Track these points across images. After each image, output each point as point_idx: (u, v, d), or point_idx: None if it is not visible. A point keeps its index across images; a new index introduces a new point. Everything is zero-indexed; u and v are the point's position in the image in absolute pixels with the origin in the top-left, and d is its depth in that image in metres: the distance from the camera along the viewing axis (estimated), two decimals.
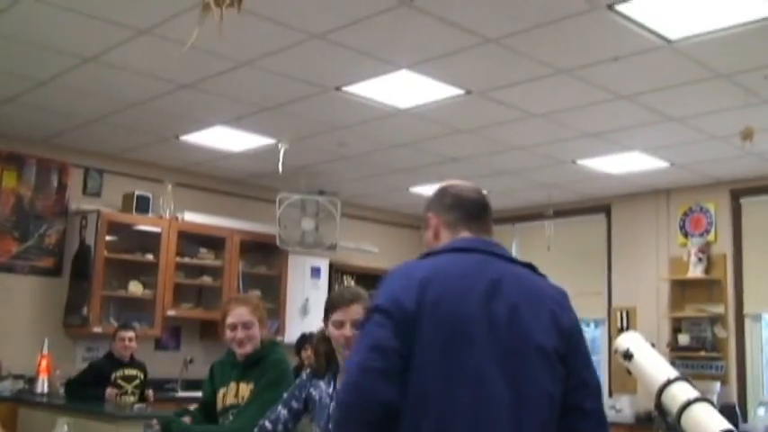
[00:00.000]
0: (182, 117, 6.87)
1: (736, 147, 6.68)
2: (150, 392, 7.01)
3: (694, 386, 2.53)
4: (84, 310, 7.60)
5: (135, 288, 8.08)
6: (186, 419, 4.10)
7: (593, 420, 2.35)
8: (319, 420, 3.25)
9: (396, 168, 8.39)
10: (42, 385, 6.98)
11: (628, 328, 8.44)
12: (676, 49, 4.96)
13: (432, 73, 5.56)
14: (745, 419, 7.77)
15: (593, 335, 9.23)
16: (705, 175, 8.18)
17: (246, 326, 3.96)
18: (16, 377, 7.16)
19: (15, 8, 4.76)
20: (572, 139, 7.04)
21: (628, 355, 2.68)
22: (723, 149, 7.15)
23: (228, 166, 8.56)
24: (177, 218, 8.30)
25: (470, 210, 2.49)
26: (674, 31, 4.74)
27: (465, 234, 2.45)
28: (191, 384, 8.07)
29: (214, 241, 8.67)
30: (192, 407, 4.57)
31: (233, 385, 3.97)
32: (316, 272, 9.39)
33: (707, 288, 8.42)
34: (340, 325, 3.24)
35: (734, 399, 7.95)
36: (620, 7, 4.42)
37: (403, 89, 5.90)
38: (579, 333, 2.40)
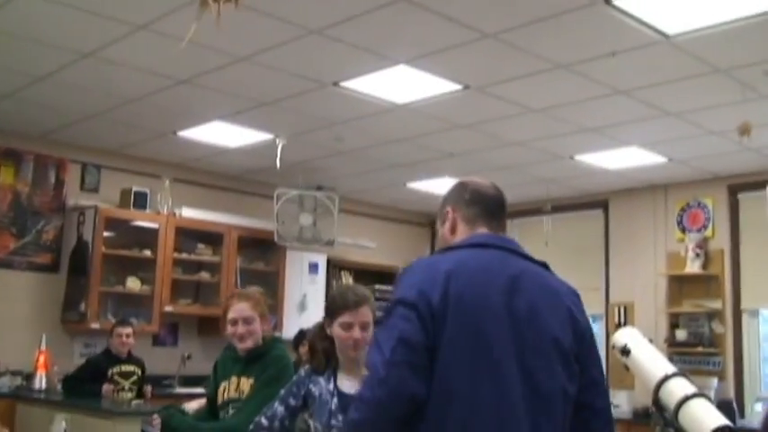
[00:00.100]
0: (179, 112, 6.86)
1: (733, 142, 6.69)
2: (148, 388, 7.01)
3: (692, 382, 2.54)
4: (82, 306, 7.59)
5: (133, 284, 8.08)
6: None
7: (603, 419, 2.38)
8: (320, 417, 3.23)
9: (393, 164, 8.39)
10: (40, 381, 6.99)
11: (625, 324, 8.44)
12: (674, 44, 4.96)
13: (429, 68, 5.56)
14: (742, 415, 7.78)
15: None
16: (703, 170, 8.19)
17: (247, 321, 3.96)
18: (14, 373, 7.15)
19: (12, 4, 4.75)
20: (570, 135, 7.04)
21: (625, 351, 2.69)
22: (721, 145, 7.15)
23: (226, 162, 8.55)
24: (175, 213, 8.30)
25: (489, 206, 2.49)
26: (671, 26, 4.74)
27: (483, 230, 2.45)
28: (188, 380, 8.08)
29: (212, 237, 8.66)
30: (186, 404, 4.60)
31: (234, 379, 3.99)
32: (313, 267, 9.39)
33: (704, 284, 8.43)
34: (348, 327, 3.22)
35: (731, 394, 7.96)
36: (618, 2, 4.42)
37: (401, 84, 5.89)
38: (592, 333, 2.43)
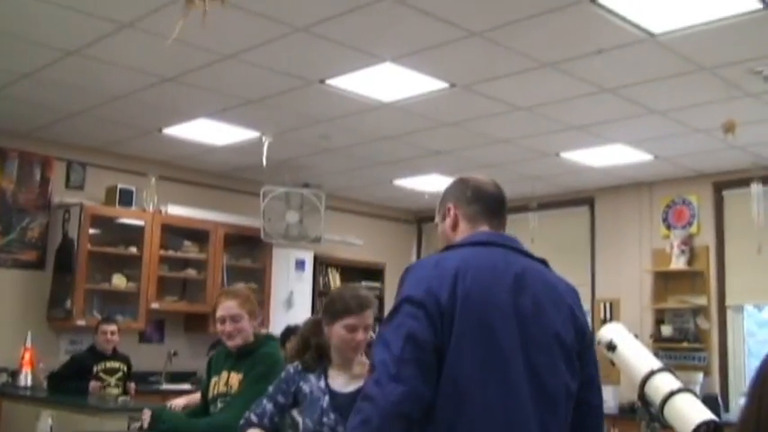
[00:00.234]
0: (165, 110, 6.84)
1: (718, 140, 6.72)
2: (132, 385, 6.98)
3: (677, 377, 2.55)
4: (68, 304, 7.57)
5: (118, 281, 8.06)
6: None
7: (597, 416, 2.41)
8: (312, 414, 3.23)
9: (380, 161, 8.39)
10: (26, 378, 6.97)
11: (611, 320, 8.48)
12: (659, 43, 4.98)
13: (416, 66, 5.56)
14: (727, 409, 7.83)
15: None
16: (688, 167, 8.23)
17: (235, 319, 3.97)
18: None
19: None
20: (556, 132, 7.06)
21: (611, 347, 2.70)
22: (706, 142, 7.18)
23: (213, 160, 8.54)
24: (161, 211, 8.27)
25: (490, 204, 2.48)
26: (657, 25, 4.76)
27: (484, 228, 2.44)
28: (175, 377, 8.08)
29: (198, 234, 8.65)
30: (173, 401, 4.62)
31: (224, 374, 4.01)
32: (300, 264, 9.38)
33: (689, 280, 8.48)
34: (352, 329, 3.22)
35: (716, 389, 8.01)
36: (604, 1, 4.44)
37: (387, 82, 5.89)
38: (590, 331, 2.44)
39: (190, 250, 8.65)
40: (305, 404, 3.28)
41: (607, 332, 2.76)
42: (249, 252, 9.08)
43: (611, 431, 7.32)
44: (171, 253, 8.45)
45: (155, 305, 8.17)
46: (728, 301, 8.29)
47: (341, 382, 3.27)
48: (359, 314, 3.23)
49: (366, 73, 5.69)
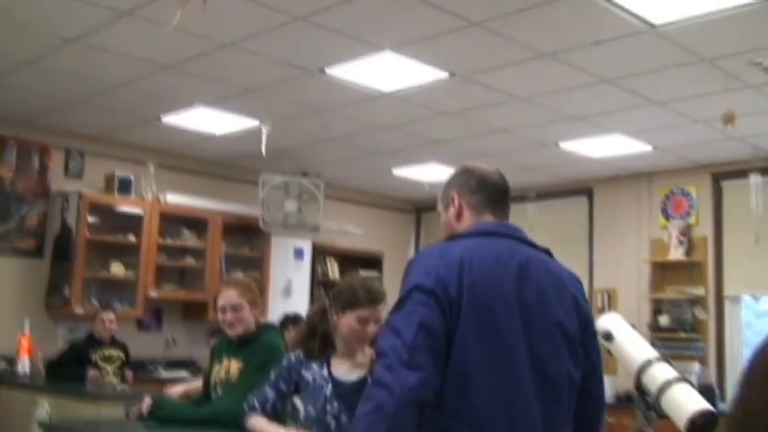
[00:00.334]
0: (164, 98, 6.83)
1: (717, 130, 6.73)
2: (129, 373, 7.00)
3: (674, 367, 2.56)
4: (66, 292, 7.58)
5: (117, 269, 8.06)
6: None
7: (600, 404, 2.43)
8: (315, 402, 3.24)
9: (379, 151, 8.39)
10: (24, 366, 6.97)
11: (609, 310, 8.49)
12: (660, 34, 4.98)
13: (415, 55, 5.55)
14: (723, 399, 7.85)
15: None
16: (687, 158, 8.23)
17: (235, 308, 3.99)
18: None
19: None
20: (555, 123, 7.06)
21: (608, 337, 2.71)
22: (705, 133, 7.19)
23: (211, 148, 8.53)
24: (159, 199, 8.27)
25: (494, 194, 2.49)
26: (657, 16, 4.75)
27: (488, 217, 2.45)
28: (173, 365, 8.10)
29: (197, 223, 8.64)
30: (171, 389, 4.63)
31: (225, 362, 4.04)
32: (299, 253, 9.39)
33: (687, 270, 8.49)
34: (365, 321, 3.24)
35: (713, 379, 8.04)
36: None
37: (386, 71, 5.88)
38: (593, 320, 2.45)
39: (188, 239, 8.64)
40: (307, 392, 3.29)
41: (604, 322, 2.77)
42: (248, 241, 9.09)
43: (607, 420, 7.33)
44: (169, 241, 8.46)
45: (153, 293, 8.17)
46: (726, 292, 8.31)
47: (344, 371, 3.28)
48: (373, 307, 3.24)
49: (366, 62, 5.68)
